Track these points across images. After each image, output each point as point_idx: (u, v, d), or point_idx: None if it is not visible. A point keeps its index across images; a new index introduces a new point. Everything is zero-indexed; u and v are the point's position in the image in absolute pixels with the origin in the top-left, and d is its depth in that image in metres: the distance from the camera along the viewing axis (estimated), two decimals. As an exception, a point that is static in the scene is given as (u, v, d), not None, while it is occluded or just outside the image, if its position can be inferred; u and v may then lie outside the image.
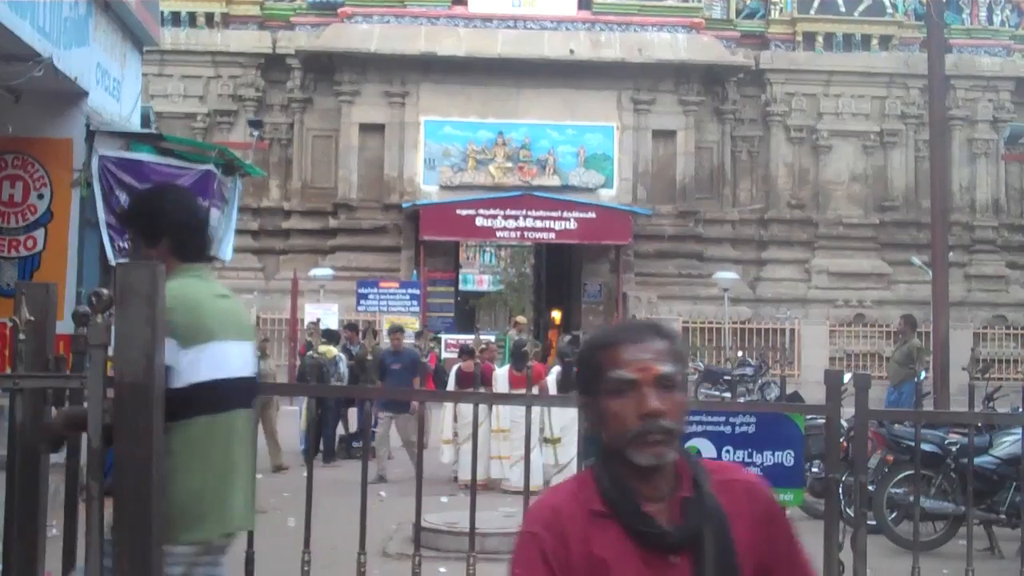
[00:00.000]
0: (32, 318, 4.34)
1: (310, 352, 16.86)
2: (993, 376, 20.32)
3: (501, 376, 14.20)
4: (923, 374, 16.75)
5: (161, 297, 3.85)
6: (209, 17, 30.08)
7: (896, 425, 10.65)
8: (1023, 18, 32.66)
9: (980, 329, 28.92)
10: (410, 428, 14.32)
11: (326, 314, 23.34)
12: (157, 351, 3.86)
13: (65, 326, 6.17)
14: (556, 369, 14.95)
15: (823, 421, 5.64)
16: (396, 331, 16.16)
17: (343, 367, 16.49)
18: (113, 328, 3.93)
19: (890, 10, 31.40)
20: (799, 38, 31.14)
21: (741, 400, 20.06)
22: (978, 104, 31.61)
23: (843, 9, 31.16)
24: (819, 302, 29.97)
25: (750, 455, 5.30)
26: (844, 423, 6.31)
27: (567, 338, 21.76)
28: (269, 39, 30.05)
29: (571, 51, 28.85)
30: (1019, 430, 10.49)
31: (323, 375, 15.59)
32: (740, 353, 25.29)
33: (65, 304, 10.00)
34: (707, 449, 5.28)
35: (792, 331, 28.42)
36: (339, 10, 29.63)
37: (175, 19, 29.38)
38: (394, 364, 15.00)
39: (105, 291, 4.09)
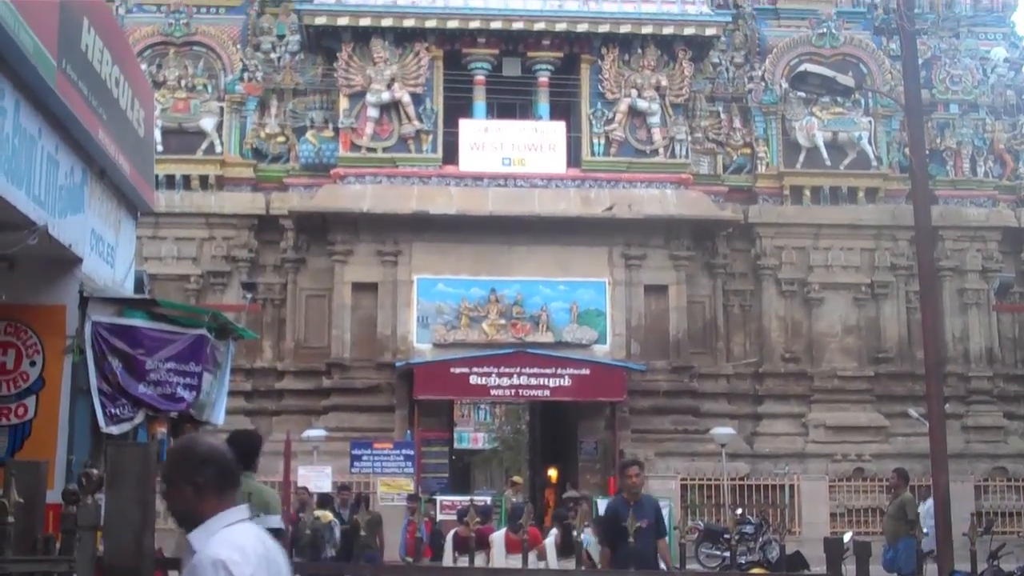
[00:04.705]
0: (21, 500, 4.23)
1: (301, 517, 16.62)
2: (997, 531, 20.00)
3: (498, 540, 13.98)
4: (926, 532, 16.39)
5: (152, 478, 3.76)
6: (203, 180, 30.34)
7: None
8: (1006, 168, 33.08)
9: (981, 482, 28.65)
10: None
11: (319, 476, 23.07)
12: (146, 534, 3.75)
13: (56, 495, 6.05)
14: (555, 532, 14.69)
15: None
16: (632, 465, 11.53)
17: (337, 533, 16.23)
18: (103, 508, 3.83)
19: (875, 163, 31.70)
20: (786, 192, 31.38)
21: (742, 560, 19.75)
22: (967, 254, 31.78)
23: (828, 163, 31.45)
24: (817, 456, 29.66)
25: (760, 628, 5.14)
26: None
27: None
28: (263, 200, 30.28)
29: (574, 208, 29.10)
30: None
31: (318, 540, 15.31)
32: (739, 511, 24.94)
33: (56, 471, 9.85)
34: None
35: (791, 487, 28.09)
36: (332, 171, 29.93)
37: (169, 182, 29.61)
38: (641, 519, 10.06)
39: (95, 471, 4.01)
